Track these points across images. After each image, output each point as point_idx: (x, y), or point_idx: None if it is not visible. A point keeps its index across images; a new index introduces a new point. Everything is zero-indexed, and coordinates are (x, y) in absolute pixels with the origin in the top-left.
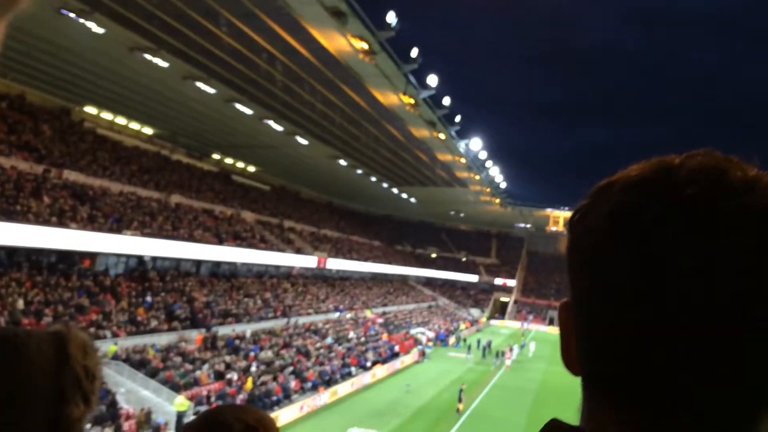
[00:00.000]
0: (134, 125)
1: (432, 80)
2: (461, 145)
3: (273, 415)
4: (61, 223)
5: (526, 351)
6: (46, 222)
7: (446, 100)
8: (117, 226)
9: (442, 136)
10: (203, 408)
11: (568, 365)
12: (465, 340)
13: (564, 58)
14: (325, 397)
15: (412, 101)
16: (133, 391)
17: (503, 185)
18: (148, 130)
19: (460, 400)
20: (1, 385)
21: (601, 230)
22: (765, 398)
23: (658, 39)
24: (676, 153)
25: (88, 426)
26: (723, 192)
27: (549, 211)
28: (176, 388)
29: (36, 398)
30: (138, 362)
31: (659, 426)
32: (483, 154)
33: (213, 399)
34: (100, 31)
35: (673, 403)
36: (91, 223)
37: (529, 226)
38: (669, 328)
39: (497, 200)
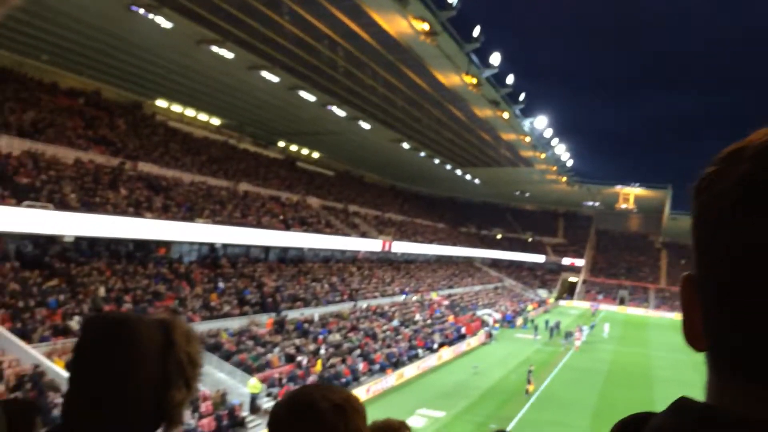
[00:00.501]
0: (203, 116)
1: (494, 59)
2: (526, 124)
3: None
4: (138, 213)
5: (598, 331)
6: (124, 212)
7: (509, 79)
8: (189, 214)
9: (505, 115)
10: (275, 390)
11: (691, 341)
12: (533, 321)
13: (629, 30)
14: (392, 379)
15: (474, 81)
16: (208, 374)
17: (570, 163)
18: (215, 121)
19: (529, 382)
20: (117, 363)
21: (734, 195)
22: None
23: (724, 4)
24: (752, 123)
25: None
26: None
27: (618, 188)
28: (249, 371)
29: (146, 379)
30: (212, 346)
31: None
32: (548, 132)
33: (284, 381)
34: (168, 25)
35: None
36: (165, 213)
37: (597, 204)
38: None
39: (564, 179)
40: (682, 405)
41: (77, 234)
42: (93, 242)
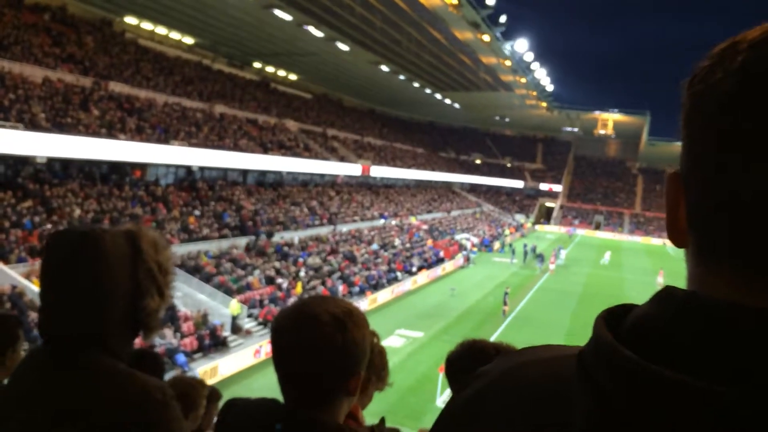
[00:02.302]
0: (175, 35)
1: None
2: (506, 47)
3: None
4: (111, 135)
5: (589, 257)
6: (96, 134)
7: (490, 0)
8: (164, 136)
9: (486, 37)
10: (256, 311)
11: (674, 237)
12: (510, 245)
13: None
14: (365, 303)
15: (455, 1)
16: (189, 295)
17: (550, 88)
18: (188, 40)
19: (505, 303)
20: (85, 275)
21: (729, 86)
22: None
23: None
24: None
25: None
26: None
27: (597, 113)
28: (230, 293)
29: (116, 289)
30: (193, 268)
31: None
32: (529, 56)
33: (266, 302)
34: None
35: None
36: (139, 134)
37: (576, 130)
38: None
39: (543, 104)
40: (668, 293)
41: (49, 155)
42: (66, 164)
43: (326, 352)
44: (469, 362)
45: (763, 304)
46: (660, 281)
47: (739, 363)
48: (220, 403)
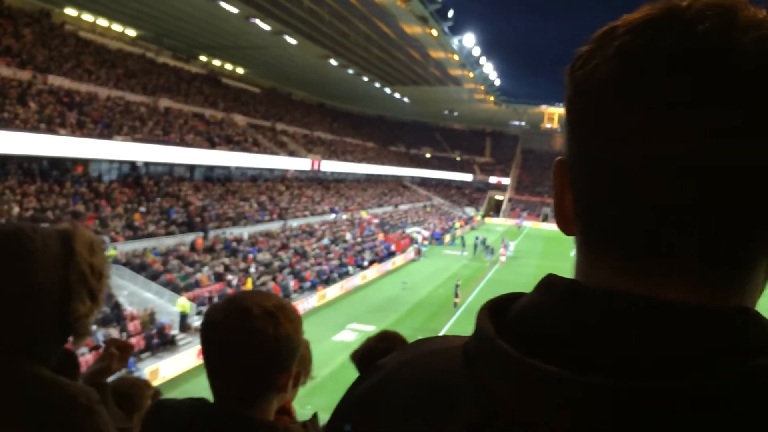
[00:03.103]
0: (117, 27)
1: None
2: (454, 42)
3: None
4: (51, 130)
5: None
6: (35, 129)
7: None
8: (107, 131)
9: (434, 32)
10: (205, 308)
11: (561, 225)
12: (461, 238)
13: None
14: (314, 299)
15: None
16: (135, 294)
17: (497, 82)
18: (131, 32)
19: (456, 295)
20: (9, 278)
21: (608, 71)
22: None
23: None
24: None
25: (94, 327)
26: (737, 28)
27: (544, 107)
28: (177, 290)
29: (44, 292)
30: (138, 266)
31: (653, 269)
32: (477, 51)
33: (215, 299)
34: None
35: (664, 248)
36: (80, 129)
37: (523, 123)
38: (667, 172)
39: (491, 98)
40: (550, 282)
41: None
42: (4, 160)
43: (257, 346)
44: (378, 354)
45: (644, 290)
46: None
47: (616, 352)
48: None
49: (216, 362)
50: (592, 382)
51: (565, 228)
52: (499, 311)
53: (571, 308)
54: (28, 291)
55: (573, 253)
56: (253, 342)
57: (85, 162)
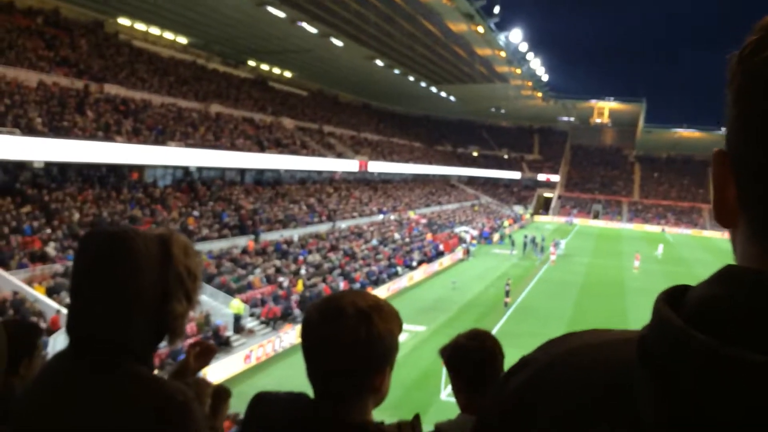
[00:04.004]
0: (168, 35)
1: None
2: (501, 38)
3: None
4: (108, 137)
5: (644, 250)
6: (93, 137)
7: None
8: (161, 138)
9: (480, 29)
10: (258, 310)
11: (721, 218)
12: (509, 236)
13: None
14: (379, 294)
15: None
16: None
17: (545, 78)
18: (182, 40)
19: (507, 295)
20: (115, 276)
21: None
22: None
23: None
24: (726, 35)
25: None
26: None
27: (593, 102)
28: (231, 292)
29: (145, 292)
30: None
31: None
32: (523, 47)
33: (267, 301)
34: None
35: None
36: (136, 136)
37: (572, 119)
38: None
39: (539, 94)
40: (731, 273)
41: (47, 159)
42: (64, 168)
43: (350, 346)
44: (467, 351)
45: None
46: (637, 264)
47: None
48: (233, 401)
49: (313, 362)
50: None
51: (726, 220)
52: (675, 303)
53: (758, 298)
54: (131, 291)
55: (733, 245)
56: (346, 342)
57: (140, 168)
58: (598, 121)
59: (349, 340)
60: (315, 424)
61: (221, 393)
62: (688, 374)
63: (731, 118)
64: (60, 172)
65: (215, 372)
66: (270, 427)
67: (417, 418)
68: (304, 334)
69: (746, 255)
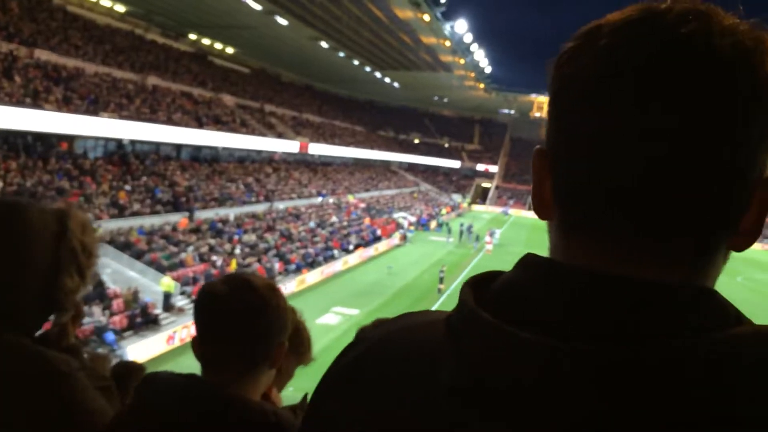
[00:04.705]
0: (105, 2)
1: None
2: (446, 28)
3: None
4: (36, 104)
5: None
6: (21, 103)
7: None
8: (93, 108)
9: (426, 17)
10: (189, 289)
11: (539, 210)
12: (446, 224)
13: None
14: (312, 277)
15: None
16: (119, 272)
17: (488, 70)
18: (120, 8)
19: (441, 281)
20: (2, 245)
21: (597, 68)
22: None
23: None
24: None
25: None
26: (715, 32)
27: (534, 96)
28: (162, 270)
29: (34, 264)
30: (123, 244)
31: (623, 250)
32: (468, 37)
33: (199, 280)
34: None
35: (639, 237)
36: (66, 105)
37: (513, 111)
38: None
39: (481, 85)
40: (530, 260)
41: None
42: None
43: (261, 314)
44: None
45: (612, 269)
46: None
47: (582, 324)
48: None
49: (216, 333)
50: (559, 346)
51: (542, 213)
52: (482, 287)
53: (547, 284)
54: (18, 262)
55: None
56: (259, 310)
57: (70, 138)
58: (538, 115)
59: (262, 308)
60: (211, 404)
61: (134, 370)
62: (473, 347)
63: (548, 118)
64: None
65: (139, 350)
66: (157, 409)
67: (305, 398)
68: (209, 306)
69: (554, 246)
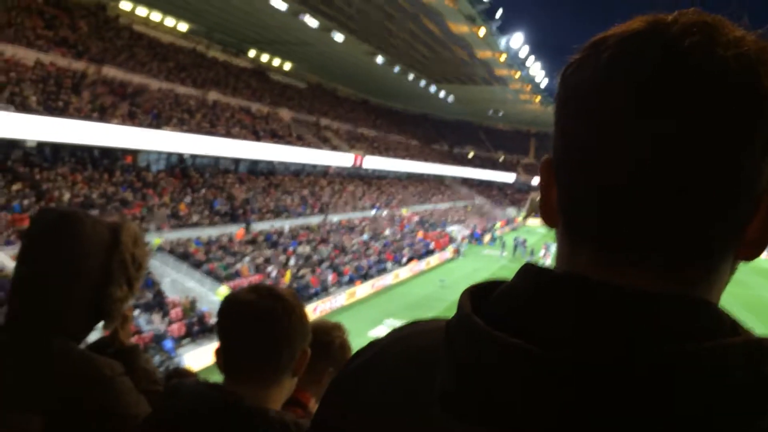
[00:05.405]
0: (169, 21)
1: None
2: (501, 41)
3: (311, 306)
4: (103, 119)
5: None
6: (88, 118)
7: None
8: (156, 122)
9: (481, 31)
10: None
11: (546, 217)
12: (500, 238)
13: None
14: (363, 290)
15: None
16: (178, 281)
17: (544, 83)
18: (183, 26)
19: None
20: (57, 256)
21: (599, 78)
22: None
23: None
24: None
25: (137, 312)
26: (719, 44)
27: None
28: (219, 280)
29: (86, 272)
30: (182, 254)
31: (622, 259)
32: (524, 51)
33: None
34: None
35: (637, 245)
36: (131, 120)
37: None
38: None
39: (537, 98)
40: (527, 269)
41: (39, 139)
42: (57, 148)
43: (286, 319)
44: None
45: (610, 278)
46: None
47: (571, 331)
48: None
49: (242, 340)
50: (544, 354)
51: (550, 220)
52: (482, 295)
53: (539, 292)
54: (71, 271)
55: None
56: (283, 316)
57: (134, 152)
58: None
59: (289, 314)
60: (228, 412)
61: (186, 377)
62: (463, 353)
63: (555, 127)
64: (53, 152)
65: (196, 358)
66: (179, 418)
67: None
68: (237, 313)
69: (560, 253)
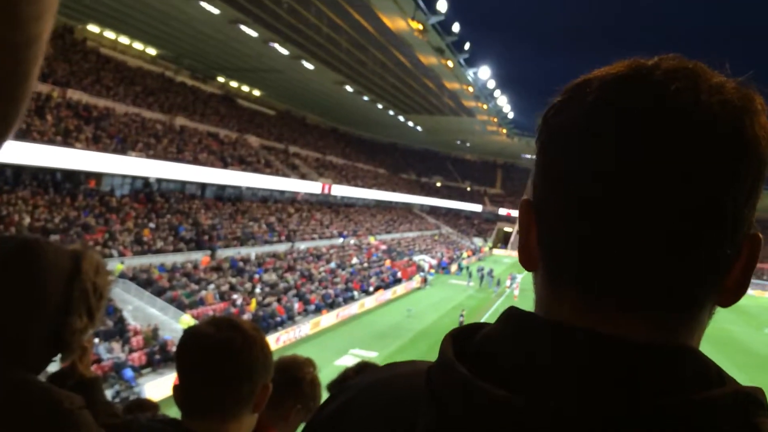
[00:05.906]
0: (138, 45)
1: (441, 5)
2: (469, 74)
3: (274, 336)
4: (66, 143)
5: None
6: (51, 141)
7: (455, 27)
8: (122, 147)
9: (450, 63)
10: None
11: (525, 260)
12: (467, 268)
13: None
14: (328, 319)
15: (420, 27)
16: (140, 309)
17: (510, 115)
18: (151, 51)
19: (460, 325)
20: (16, 287)
21: (585, 122)
22: (703, 286)
23: None
24: None
25: (97, 340)
26: (702, 90)
27: None
28: (182, 307)
29: (45, 302)
30: (144, 281)
31: (604, 305)
32: (491, 83)
33: None
34: None
35: (621, 291)
36: (95, 144)
37: (535, 157)
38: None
39: (504, 130)
40: (510, 314)
41: (0, 161)
42: (18, 170)
43: (247, 352)
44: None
45: (592, 325)
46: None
47: (556, 381)
48: None
49: (202, 373)
50: (529, 406)
51: (528, 264)
52: (464, 339)
53: (524, 339)
54: (31, 301)
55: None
56: (244, 349)
57: (98, 176)
58: None
59: (251, 345)
60: None
61: (147, 408)
62: (450, 401)
63: (536, 168)
64: (13, 175)
65: (157, 388)
66: None
67: None
68: (198, 345)
69: (538, 298)
